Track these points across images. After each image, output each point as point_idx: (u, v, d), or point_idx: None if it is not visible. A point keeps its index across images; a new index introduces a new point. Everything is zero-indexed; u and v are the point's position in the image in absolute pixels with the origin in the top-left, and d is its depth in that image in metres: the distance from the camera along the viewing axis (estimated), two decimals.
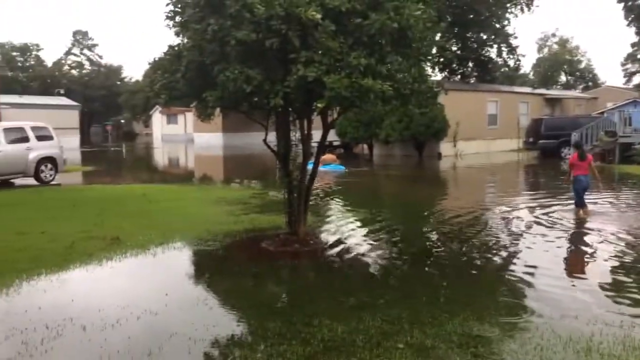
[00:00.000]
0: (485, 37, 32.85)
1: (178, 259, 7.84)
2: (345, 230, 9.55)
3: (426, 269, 7.32)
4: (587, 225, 10.00)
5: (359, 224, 10.29)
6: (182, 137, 55.58)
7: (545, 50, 69.69)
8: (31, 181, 16.86)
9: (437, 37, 9.05)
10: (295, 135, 8.23)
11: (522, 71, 55.16)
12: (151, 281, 6.85)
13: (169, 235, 8.83)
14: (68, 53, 79.87)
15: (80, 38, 79.82)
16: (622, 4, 39.62)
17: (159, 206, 12.11)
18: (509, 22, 32.76)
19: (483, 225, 10.28)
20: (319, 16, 6.34)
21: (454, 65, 32.85)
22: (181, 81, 7.26)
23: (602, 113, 31.38)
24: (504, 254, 8.05)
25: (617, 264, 7.35)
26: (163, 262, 7.65)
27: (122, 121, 78.72)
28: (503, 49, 33.29)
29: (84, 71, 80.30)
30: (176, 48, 7.47)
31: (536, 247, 8.47)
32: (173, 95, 7.60)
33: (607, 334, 4.78)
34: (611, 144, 23.29)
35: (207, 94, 6.96)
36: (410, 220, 11.28)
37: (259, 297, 6.15)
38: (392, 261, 7.79)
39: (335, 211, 12.05)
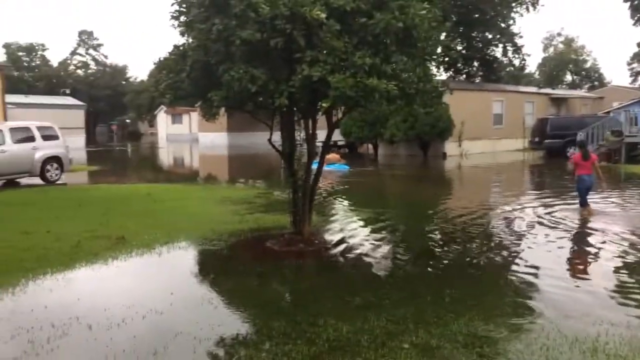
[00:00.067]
0: (490, 36, 32.72)
1: (183, 258, 7.86)
2: (349, 230, 9.54)
3: (430, 268, 7.30)
4: (591, 225, 9.94)
5: (363, 223, 10.28)
6: (187, 137, 55.72)
7: (551, 49, 69.43)
8: (37, 181, 16.92)
9: (442, 36, 9.04)
10: (300, 135, 8.23)
11: (527, 71, 54.88)
12: (156, 280, 6.86)
13: (174, 235, 8.84)
14: (74, 53, 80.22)
15: (86, 38, 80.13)
16: (628, 4, 39.45)
17: (164, 206, 12.14)
18: (515, 21, 32.63)
19: (488, 225, 10.25)
20: (323, 16, 6.34)
21: (459, 65, 32.75)
22: (186, 81, 7.27)
23: (608, 113, 31.21)
24: (508, 253, 8.02)
25: (621, 264, 7.32)
26: (168, 262, 7.66)
27: (128, 121, 78.99)
28: (508, 48, 33.13)
29: (90, 71, 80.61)
30: (181, 48, 7.48)
31: (540, 247, 8.43)
32: (178, 95, 7.61)
33: (614, 335, 4.76)
34: (617, 143, 23.15)
35: (212, 94, 6.97)
36: (415, 219, 11.26)
37: (264, 296, 6.16)
38: (397, 261, 7.78)
39: (340, 211, 12.05)
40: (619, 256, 7.70)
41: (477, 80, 33.97)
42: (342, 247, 8.31)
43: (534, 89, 38.43)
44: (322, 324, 5.02)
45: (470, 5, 30.04)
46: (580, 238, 9.31)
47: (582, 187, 10.77)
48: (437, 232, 9.98)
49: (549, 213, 11.04)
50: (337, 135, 27.44)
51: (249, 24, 6.49)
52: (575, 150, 13.17)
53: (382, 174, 22.80)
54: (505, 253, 8.09)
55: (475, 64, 33.83)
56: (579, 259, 8.18)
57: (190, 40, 7.33)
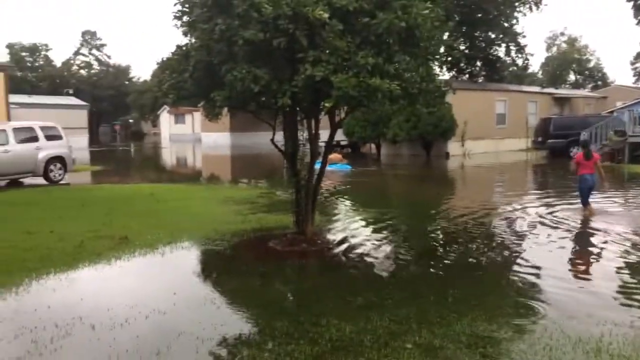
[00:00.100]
0: (493, 36, 32.69)
1: (186, 258, 7.87)
2: (352, 230, 9.54)
3: (433, 268, 7.30)
4: (594, 225, 9.92)
5: (366, 223, 10.28)
6: (189, 137, 55.75)
7: (554, 49, 69.32)
8: (40, 181, 16.96)
9: (445, 36, 9.01)
10: (302, 135, 8.24)
11: (530, 70, 54.85)
12: (159, 280, 6.87)
13: (177, 235, 8.86)
14: (77, 53, 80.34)
15: (89, 38, 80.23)
16: (631, 3, 39.28)
17: (167, 206, 12.16)
18: (518, 21, 32.58)
19: (490, 225, 10.24)
20: (326, 15, 6.34)
21: (462, 65, 32.75)
22: (189, 81, 7.28)
23: (612, 112, 31.14)
24: (510, 253, 8.01)
25: (623, 264, 7.30)
26: (171, 262, 7.67)
27: (131, 121, 79.11)
28: (511, 48, 33.12)
29: (93, 71, 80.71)
30: (184, 48, 7.49)
31: (542, 247, 8.42)
32: (181, 95, 7.62)
33: (617, 335, 4.75)
34: (620, 143, 23.11)
35: (214, 94, 6.97)
36: (417, 219, 11.25)
37: (267, 296, 6.16)
38: (400, 261, 7.77)
39: (342, 211, 12.05)
40: (621, 256, 7.68)
41: (480, 80, 33.93)
42: (344, 246, 8.31)
43: (537, 89, 38.36)
44: (325, 323, 5.02)
45: (473, 4, 30.03)
46: (582, 238, 9.30)
47: (584, 187, 10.75)
48: (439, 232, 9.97)
49: (550, 213, 11.03)
50: (339, 135, 27.45)
51: (251, 24, 6.49)
52: (578, 150, 13.15)
53: (384, 173, 22.79)
54: (507, 253, 8.08)
55: (478, 63, 33.82)
56: (581, 259, 8.16)
57: (193, 40, 7.34)
